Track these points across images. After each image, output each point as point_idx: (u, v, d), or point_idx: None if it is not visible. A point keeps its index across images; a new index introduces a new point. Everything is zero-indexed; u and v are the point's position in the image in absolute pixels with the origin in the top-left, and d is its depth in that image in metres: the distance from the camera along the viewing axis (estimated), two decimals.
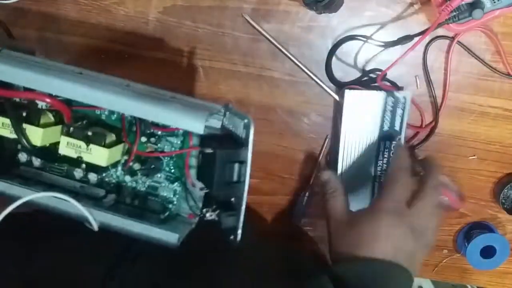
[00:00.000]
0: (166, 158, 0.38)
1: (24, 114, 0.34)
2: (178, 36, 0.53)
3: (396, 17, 0.52)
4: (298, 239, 0.63)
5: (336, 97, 0.54)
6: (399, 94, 0.52)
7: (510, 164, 0.58)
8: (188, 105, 0.33)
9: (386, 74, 0.52)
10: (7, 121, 0.33)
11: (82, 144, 0.34)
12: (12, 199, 0.33)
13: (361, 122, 0.53)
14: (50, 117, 0.36)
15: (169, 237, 0.33)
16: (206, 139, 0.35)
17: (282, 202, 0.61)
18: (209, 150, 0.33)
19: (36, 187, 0.35)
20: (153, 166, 0.37)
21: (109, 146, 0.35)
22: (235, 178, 0.34)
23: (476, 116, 0.56)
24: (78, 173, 0.37)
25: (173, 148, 0.37)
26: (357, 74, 0.54)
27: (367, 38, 0.52)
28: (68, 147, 0.34)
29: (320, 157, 0.58)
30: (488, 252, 0.60)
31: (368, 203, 0.55)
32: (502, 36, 0.52)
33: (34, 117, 0.34)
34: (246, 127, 0.33)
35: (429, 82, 0.54)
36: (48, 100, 0.33)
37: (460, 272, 0.65)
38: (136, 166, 0.37)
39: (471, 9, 0.46)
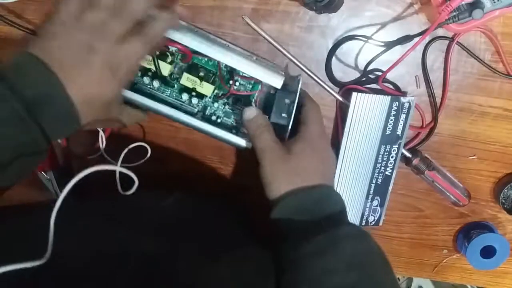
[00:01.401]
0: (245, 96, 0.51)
1: (157, 53, 0.48)
2: None
3: (396, 17, 0.52)
4: None
5: (338, 97, 0.54)
6: (404, 99, 0.52)
7: (510, 164, 0.58)
8: (268, 65, 0.48)
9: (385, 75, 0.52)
10: (149, 57, 0.47)
11: (197, 80, 0.48)
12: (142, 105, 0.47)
13: (364, 125, 0.53)
14: (172, 59, 0.49)
15: (240, 142, 0.50)
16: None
17: None
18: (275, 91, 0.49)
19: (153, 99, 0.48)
20: (238, 99, 0.51)
21: (212, 83, 0.49)
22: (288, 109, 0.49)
23: (476, 116, 0.56)
24: (185, 96, 0.50)
25: (251, 89, 0.51)
26: (357, 75, 0.54)
27: (367, 38, 0.52)
28: (188, 80, 0.48)
29: None
30: (488, 252, 0.60)
31: (363, 204, 0.56)
32: (502, 36, 0.52)
33: (164, 58, 0.48)
34: (297, 81, 0.49)
35: (428, 82, 0.54)
36: (181, 48, 0.47)
37: (460, 272, 0.65)
38: (225, 100, 0.51)
39: (471, 9, 0.46)
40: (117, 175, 0.43)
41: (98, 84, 0.38)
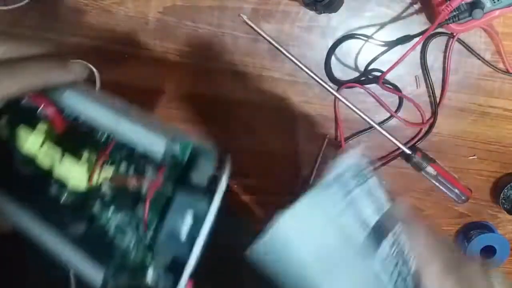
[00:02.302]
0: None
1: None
2: (178, 36, 0.53)
3: (396, 17, 0.52)
4: None
5: (338, 96, 0.54)
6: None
7: (510, 164, 0.58)
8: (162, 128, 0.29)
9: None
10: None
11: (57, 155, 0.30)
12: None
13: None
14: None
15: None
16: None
17: (282, 202, 0.61)
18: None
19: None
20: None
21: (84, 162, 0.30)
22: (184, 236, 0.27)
23: (476, 116, 0.56)
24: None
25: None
26: (357, 75, 0.54)
27: (367, 37, 0.52)
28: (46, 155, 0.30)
29: (320, 157, 0.58)
30: (488, 252, 0.60)
31: None
32: (502, 36, 0.52)
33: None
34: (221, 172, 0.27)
35: (428, 80, 0.54)
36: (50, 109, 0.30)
37: None
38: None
39: (471, 9, 0.46)
40: None
41: None
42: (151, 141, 0.27)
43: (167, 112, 0.57)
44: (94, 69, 0.53)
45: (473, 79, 0.54)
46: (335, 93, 0.54)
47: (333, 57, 0.54)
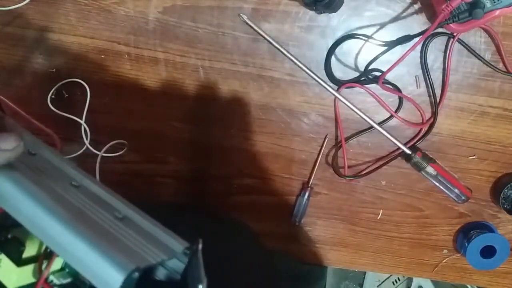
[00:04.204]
0: None
1: None
2: (178, 36, 0.53)
3: (396, 17, 0.52)
4: (298, 239, 0.63)
5: (337, 95, 0.54)
6: None
7: (510, 164, 0.58)
8: (129, 239, 0.24)
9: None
10: None
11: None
12: None
13: None
14: None
15: None
16: None
17: (282, 202, 0.61)
18: None
19: None
20: None
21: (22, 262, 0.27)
22: None
23: (476, 116, 0.56)
24: None
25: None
26: (357, 74, 0.54)
27: (367, 37, 0.52)
28: None
29: (320, 157, 0.58)
30: (488, 252, 0.60)
31: None
32: (502, 36, 0.52)
33: None
34: None
35: (428, 80, 0.54)
36: None
37: (460, 272, 0.65)
38: None
39: (471, 9, 0.46)
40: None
41: None
42: (102, 271, 0.21)
43: (167, 112, 0.57)
44: (86, 85, 0.54)
45: (473, 79, 0.54)
46: (335, 93, 0.54)
47: (333, 57, 0.54)
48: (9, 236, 0.27)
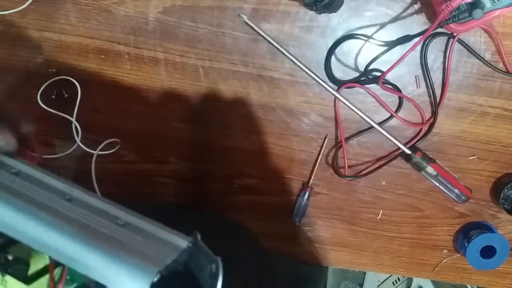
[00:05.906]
0: None
1: None
2: (178, 36, 0.53)
3: (396, 17, 0.52)
4: (298, 239, 0.63)
5: (337, 95, 0.54)
6: None
7: (510, 164, 0.58)
8: (139, 244, 0.25)
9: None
10: None
11: None
12: None
13: None
14: None
15: None
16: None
17: (282, 202, 0.61)
18: None
19: None
20: None
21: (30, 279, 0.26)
22: None
23: (476, 116, 0.56)
24: None
25: None
26: (357, 74, 0.54)
27: (367, 37, 0.52)
28: None
29: (320, 157, 0.58)
30: (488, 252, 0.60)
31: None
32: (502, 36, 0.52)
33: None
34: (213, 277, 0.24)
35: (428, 80, 0.54)
36: None
37: (460, 272, 0.65)
38: None
39: (471, 9, 0.46)
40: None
41: None
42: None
43: (168, 112, 0.57)
44: (76, 83, 0.54)
45: (473, 79, 0.54)
46: (335, 93, 0.54)
47: (333, 57, 0.54)
48: (9, 257, 0.27)
